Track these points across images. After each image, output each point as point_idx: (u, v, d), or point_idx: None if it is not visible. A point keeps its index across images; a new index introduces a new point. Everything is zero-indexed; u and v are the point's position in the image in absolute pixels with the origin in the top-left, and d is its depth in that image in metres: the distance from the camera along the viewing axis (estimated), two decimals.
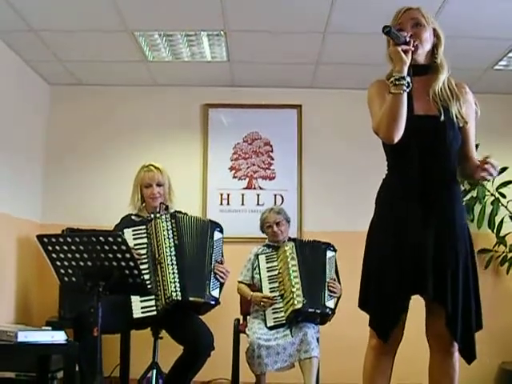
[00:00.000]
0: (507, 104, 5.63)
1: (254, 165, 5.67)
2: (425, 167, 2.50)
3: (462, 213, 2.59)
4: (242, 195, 5.63)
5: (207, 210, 5.54)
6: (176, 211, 3.85)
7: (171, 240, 3.64)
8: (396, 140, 2.43)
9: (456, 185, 2.58)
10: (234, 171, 5.66)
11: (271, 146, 5.70)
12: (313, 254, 4.23)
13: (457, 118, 2.51)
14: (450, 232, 2.48)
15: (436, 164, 2.51)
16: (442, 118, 2.49)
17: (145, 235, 3.64)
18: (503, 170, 5.18)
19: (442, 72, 2.57)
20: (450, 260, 2.45)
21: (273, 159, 5.68)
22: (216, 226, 3.85)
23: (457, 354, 2.48)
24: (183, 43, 4.80)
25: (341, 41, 4.64)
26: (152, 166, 3.93)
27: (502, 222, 5.27)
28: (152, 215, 3.71)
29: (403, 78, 2.37)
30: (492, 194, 5.37)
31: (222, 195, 5.62)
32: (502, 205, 5.32)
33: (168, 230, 3.65)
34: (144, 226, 3.66)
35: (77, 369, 3.56)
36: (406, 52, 2.40)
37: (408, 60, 2.39)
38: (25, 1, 4.05)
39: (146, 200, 3.90)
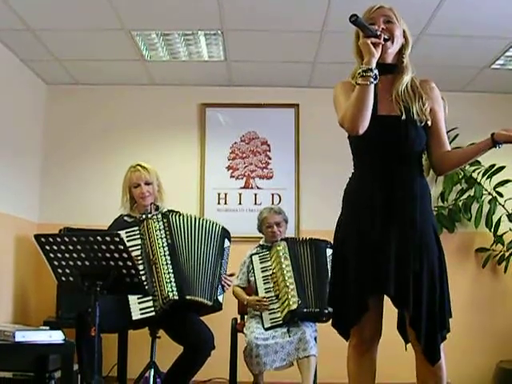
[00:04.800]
0: (504, 103, 5.63)
1: (251, 164, 5.66)
2: (388, 166, 2.50)
3: (427, 211, 2.56)
4: (240, 195, 5.62)
5: (204, 210, 5.54)
6: (168, 210, 3.85)
7: (164, 240, 3.63)
8: (361, 131, 2.43)
9: (421, 183, 2.56)
10: (231, 171, 5.65)
11: (269, 145, 5.69)
12: (310, 253, 4.22)
13: (419, 116, 2.51)
14: (412, 231, 2.46)
15: (399, 163, 2.51)
16: (404, 117, 2.49)
17: (138, 236, 3.62)
18: (500, 168, 5.21)
19: (407, 73, 2.57)
20: (414, 260, 2.42)
21: (270, 158, 5.68)
22: (227, 233, 3.87)
23: (442, 355, 2.45)
24: (180, 42, 4.79)
25: (338, 40, 4.62)
26: (139, 165, 3.92)
27: (499, 220, 5.27)
28: (144, 216, 3.71)
29: (371, 69, 2.36)
30: (489, 193, 5.37)
31: (219, 195, 5.61)
32: (500, 204, 5.33)
33: (160, 229, 3.65)
34: (137, 228, 3.64)
35: (75, 368, 3.55)
36: (375, 45, 2.39)
37: (377, 53, 2.39)
38: (22, 0, 4.04)
39: (136, 200, 3.88)
